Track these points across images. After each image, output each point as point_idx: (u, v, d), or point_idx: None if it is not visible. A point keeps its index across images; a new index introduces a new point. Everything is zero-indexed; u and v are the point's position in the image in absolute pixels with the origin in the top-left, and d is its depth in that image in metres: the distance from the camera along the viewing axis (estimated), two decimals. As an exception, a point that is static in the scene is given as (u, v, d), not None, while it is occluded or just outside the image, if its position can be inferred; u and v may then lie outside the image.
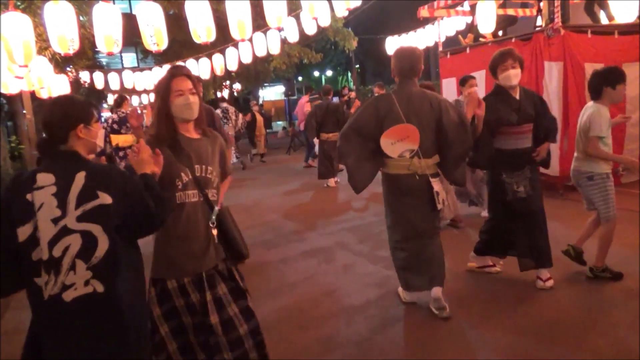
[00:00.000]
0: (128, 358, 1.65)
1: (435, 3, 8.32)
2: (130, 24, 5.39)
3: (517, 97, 3.29)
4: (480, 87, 5.57)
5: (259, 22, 7.11)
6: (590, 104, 3.39)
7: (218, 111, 9.07)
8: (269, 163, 12.25)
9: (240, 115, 10.35)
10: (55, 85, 8.82)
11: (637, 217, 4.51)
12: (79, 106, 1.76)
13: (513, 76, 3.22)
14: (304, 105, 11.58)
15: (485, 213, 5.30)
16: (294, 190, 8.25)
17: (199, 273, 2.07)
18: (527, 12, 8.14)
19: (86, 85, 12.84)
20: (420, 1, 8.63)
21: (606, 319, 2.94)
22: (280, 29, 7.37)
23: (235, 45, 8.62)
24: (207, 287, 2.07)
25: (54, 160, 1.69)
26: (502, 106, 3.25)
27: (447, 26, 9.29)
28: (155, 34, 4.87)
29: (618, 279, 3.37)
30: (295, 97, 26.14)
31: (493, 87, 3.42)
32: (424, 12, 8.38)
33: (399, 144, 2.96)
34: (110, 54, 5.13)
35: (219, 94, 16.78)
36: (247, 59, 8.60)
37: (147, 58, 17.48)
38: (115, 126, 6.34)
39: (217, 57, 9.36)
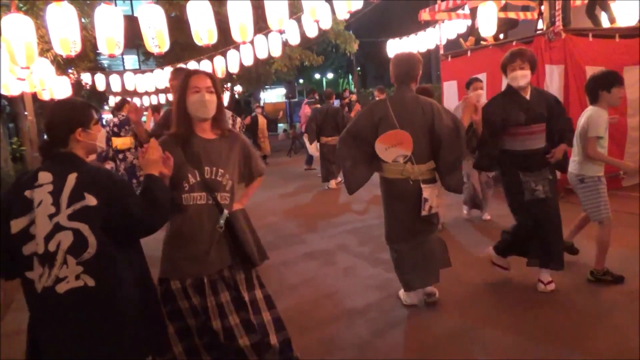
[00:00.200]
0: (121, 351, 1.68)
1: (437, 6, 8.35)
2: (132, 26, 5.40)
3: (528, 97, 3.26)
4: (481, 89, 5.57)
5: (261, 25, 7.13)
6: (588, 108, 3.41)
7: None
8: (270, 165, 12.24)
9: (239, 119, 10.34)
10: (56, 87, 8.85)
11: (637, 220, 4.51)
12: (78, 110, 1.79)
13: (520, 77, 3.20)
14: (305, 107, 11.60)
15: (486, 216, 5.30)
16: (294, 192, 8.26)
17: (200, 276, 2.05)
18: (528, 15, 8.13)
19: (88, 87, 12.86)
20: (422, 4, 8.65)
21: (607, 321, 2.94)
22: (281, 32, 7.40)
23: (237, 47, 8.65)
24: (209, 292, 2.04)
25: (54, 161, 1.74)
26: (510, 106, 3.24)
27: (448, 29, 9.29)
28: (156, 36, 4.89)
29: (619, 282, 3.36)
30: (296, 100, 26.14)
31: (505, 87, 3.40)
32: (425, 15, 8.40)
33: (392, 149, 2.99)
34: (112, 56, 5.14)
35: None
36: (249, 62, 8.61)
37: (149, 60, 17.55)
38: (115, 129, 6.36)
39: (218, 60, 9.39)
